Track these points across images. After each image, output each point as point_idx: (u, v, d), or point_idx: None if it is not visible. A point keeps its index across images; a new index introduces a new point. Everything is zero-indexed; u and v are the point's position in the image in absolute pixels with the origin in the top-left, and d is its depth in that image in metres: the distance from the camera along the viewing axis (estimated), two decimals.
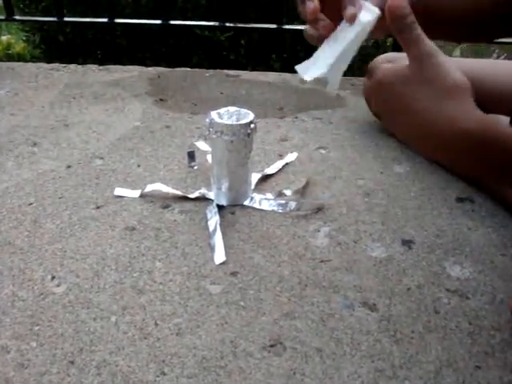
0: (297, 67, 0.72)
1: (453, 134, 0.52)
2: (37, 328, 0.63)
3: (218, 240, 0.78)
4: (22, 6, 2.58)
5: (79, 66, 1.62)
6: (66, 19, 1.80)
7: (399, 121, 0.56)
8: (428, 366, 0.60)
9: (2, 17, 1.83)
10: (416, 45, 0.58)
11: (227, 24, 1.73)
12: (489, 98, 0.95)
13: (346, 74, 1.00)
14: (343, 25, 0.74)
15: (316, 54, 0.75)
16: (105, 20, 1.76)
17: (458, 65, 1.02)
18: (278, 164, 1.01)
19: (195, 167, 1.01)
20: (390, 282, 0.72)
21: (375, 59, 1.15)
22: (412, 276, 0.74)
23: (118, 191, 0.91)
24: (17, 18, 1.93)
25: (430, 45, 0.58)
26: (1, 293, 0.69)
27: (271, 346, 0.61)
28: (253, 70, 1.71)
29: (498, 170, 0.55)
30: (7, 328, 0.63)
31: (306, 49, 2.39)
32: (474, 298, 0.70)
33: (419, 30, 0.64)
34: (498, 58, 3.77)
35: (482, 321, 0.66)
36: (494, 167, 0.54)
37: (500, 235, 0.83)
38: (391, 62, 0.80)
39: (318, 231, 0.82)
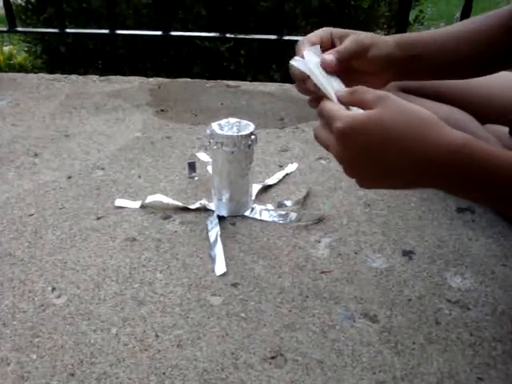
0: None
1: (431, 161, 0.51)
2: (37, 340, 0.63)
3: (219, 251, 0.78)
4: (23, 17, 2.59)
5: (80, 77, 1.63)
6: (68, 30, 1.81)
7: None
8: (429, 378, 0.59)
9: (5, 28, 1.84)
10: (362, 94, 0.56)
11: (228, 35, 1.74)
12: (486, 108, 0.96)
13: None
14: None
15: None
16: (106, 31, 1.77)
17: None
18: (279, 175, 1.01)
19: (196, 178, 1.01)
20: (391, 293, 0.72)
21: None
22: (413, 287, 0.73)
23: (119, 202, 0.92)
24: (19, 29, 1.95)
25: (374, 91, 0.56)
26: (1, 304, 0.69)
27: (272, 357, 0.61)
28: (253, 80, 1.72)
29: (486, 196, 0.54)
30: (7, 340, 0.63)
31: None
32: (475, 309, 0.70)
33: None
34: None
35: (484, 332, 0.66)
36: (476, 189, 0.53)
37: (500, 245, 0.83)
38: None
39: (319, 242, 0.82)
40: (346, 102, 0.55)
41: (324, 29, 0.66)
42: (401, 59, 0.66)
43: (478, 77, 0.77)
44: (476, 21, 0.75)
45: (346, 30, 0.66)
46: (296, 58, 0.63)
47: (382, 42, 0.66)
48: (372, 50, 0.64)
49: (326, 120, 0.55)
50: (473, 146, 0.51)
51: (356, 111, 0.53)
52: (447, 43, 0.71)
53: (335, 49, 0.62)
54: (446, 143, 0.51)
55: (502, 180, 0.50)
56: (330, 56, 0.61)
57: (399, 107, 0.52)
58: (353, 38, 0.64)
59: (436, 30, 0.73)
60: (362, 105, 0.53)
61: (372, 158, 0.52)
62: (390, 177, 0.54)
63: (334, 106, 0.55)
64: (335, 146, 0.53)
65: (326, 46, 0.65)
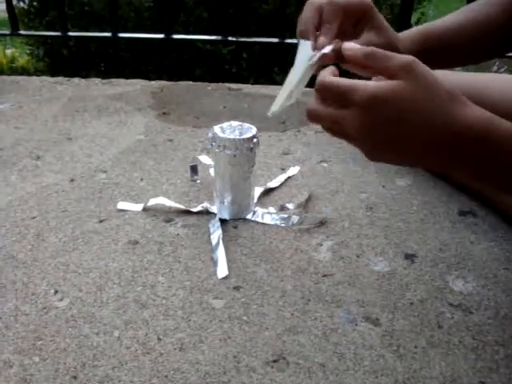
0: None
1: (453, 134, 0.51)
2: (40, 343, 0.63)
3: (221, 254, 0.78)
4: (26, 20, 2.60)
5: (82, 80, 1.63)
6: (70, 34, 1.82)
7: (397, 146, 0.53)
8: (432, 382, 0.59)
9: (8, 31, 1.85)
10: (388, 61, 0.55)
11: (229, 38, 1.74)
12: (491, 112, 0.95)
13: None
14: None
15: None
16: (108, 34, 1.77)
17: (457, 79, 1.02)
18: (281, 178, 1.01)
19: (198, 181, 1.01)
20: (393, 297, 0.72)
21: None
22: (415, 290, 0.73)
23: (121, 205, 0.92)
24: (22, 32, 1.95)
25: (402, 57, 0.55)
26: (4, 307, 0.69)
27: (274, 361, 0.61)
28: (255, 82, 1.72)
29: (497, 175, 0.54)
30: (10, 343, 0.63)
31: None
32: (478, 313, 0.70)
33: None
34: (498, 70, 3.79)
35: (486, 336, 0.66)
36: (494, 171, 0.53)
37: (503, 249, 0.83)
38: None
39: (321, 245, 0.82)
40: (366, 64, 0.53)
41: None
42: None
43: (482, 62, 0.78)
44: (475, 9, 0.76)
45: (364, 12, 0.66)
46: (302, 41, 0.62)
47: (399, 41, 0.67)
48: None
49: (338, 93, 0.52)
50: (497, 123, 0.51)
51: (374, 82, 0.51)
52: (451, 36, 0.73)
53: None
54: (472, 117, 0.51)
55: None
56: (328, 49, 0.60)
57: (425, 78, 0.51)
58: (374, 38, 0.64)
59: (440, 22, 0.75)
60: (384, 72, 0.51)
61: (396, 131, 0.50)
62: (409, 154, 0.52)
63: (343, 79, 0.52)
64: (353, 120, 0.51)
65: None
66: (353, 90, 0.50)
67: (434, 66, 0.71)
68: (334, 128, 0.55)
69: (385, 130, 0.51)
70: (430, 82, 0.52)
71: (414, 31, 0.74)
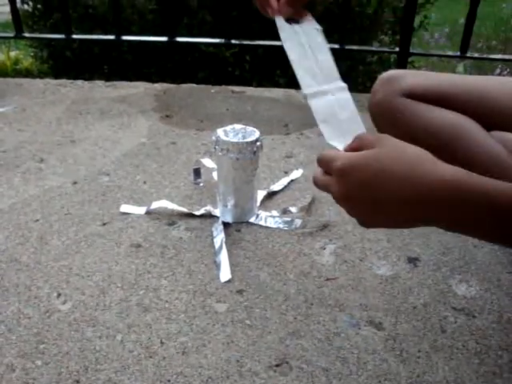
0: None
1: (425, 192, 0.53)
2: (42, 346, 0.63)
3: (224, 258, 0.78)
4: (30, 22, 2.61)
5: (86, 82, 1.64)
6: (74, 36, 1.83)
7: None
8: None
9: (12, 34, 1.86)
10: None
11: (233, 41, 1.74)
12: (494, 115, 0.95)
13: (350, 90, 1.00)
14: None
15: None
16: (112, 37, 1.78)
17: (461, 81, 1.02)
18: (284, 181, 1.01)
19: (201, 184, 1.01)
20: (396, 301, 0.72)
21: (379, 77, 1.15)
22: (418, 294, 0.73)
23: (124, 208, 0.92)
24: (26, 35, 1.96)
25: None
26: (7, 310, 0.69)
27: (277, 365, 0.61)
28: (258, 85, 1.72)
29: (472, 228, 0.56)
30: (13, 346, 0.63)
31: None
32: (481, 317, 0.69)
33: None
34: (500, 73, 3.78)
35: (490, 340, 0.66)
36: (468, 224, 0.55)
37: (506, 253, 0.83)
38: (394, 80, 0.81)
39: (324, 249, 0.82)
40: (350, 150, 0.58)
41: None
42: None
43: None
44: None
45: None
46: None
47: None
48: None
49: (326, 164, 0.57)
50: (464, 180, 0.52)
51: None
52: None
53: None
54: (437, 179, 0.52)
55: (498, 213, 0.50)
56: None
57: (395, 146, 0.55)
58: None
59: None
60: (363, 148, 0.56)
61: (370, 194, 0.54)
62: (389, 215, 0.55)
63: (331, 151, 0.58)
64: (336, 187, 0.55)
65: None
66: (332, 160, 0.55)
67: None
68: (331, 194, 0.59)
69: (359, 195, 0.55)
70: (398, 147, 0.55)
71: None
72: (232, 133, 0.85)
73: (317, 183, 0.59)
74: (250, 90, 1.60)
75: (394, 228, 0.60)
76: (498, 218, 0.51)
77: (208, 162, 1.06)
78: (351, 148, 0.58)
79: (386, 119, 0.90)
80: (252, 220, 0.88)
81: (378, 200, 0.54)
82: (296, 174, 1.05)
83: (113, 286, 0.73)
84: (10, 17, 1.82)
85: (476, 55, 1.82)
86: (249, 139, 0.82)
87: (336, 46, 1.69)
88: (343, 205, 0.56)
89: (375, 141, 0.56)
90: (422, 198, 0.52)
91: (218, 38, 1.77)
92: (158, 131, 1.27)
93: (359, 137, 0.57)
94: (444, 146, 0.80)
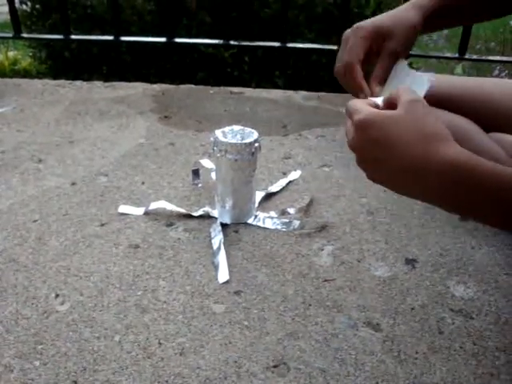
0: None
1: (433, 169, 0.54)
2: (40, 347, 0.63)
3: (222, 259, 0.78)
4: (29, 22, 2.61)
5: (84, 83, 1.64)
6: (73, 37, 1.82)
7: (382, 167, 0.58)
8: None
9: (10, 34, 1.85)
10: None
11: (231, 42, 1.74)
12: (492, 116, 0.95)
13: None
14: None
15: None
16: (110, 38, 1.78)
17: (460, 83, 1.03)
18: (282, 182, 1.01)
19: (199, 185, 1.01)
20: (394, 302, 0.72)
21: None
22: (416, 295, 0.73)
23: (123, 209, 0.92)
24: (24, 35, 1.95)
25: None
26: (5, 311, 0.69)
27: (275, 366, 0.61)
28: (257, 86, 1.72)
29: (478, 210, 0.56)
30: (11, 346, 0.63)
31: (308, 66, 2.41)
32: (479, 318, 0.70)
33: None
34: (499, 74, 3.78)
35: (487, 341, 0.66)
36: (475, 206, 0.55)
37: (504, 254, 0.83)
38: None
39: (322, 250, 0.82)
40: (386, 104, 0.60)
41: (358, 43, 0.71)
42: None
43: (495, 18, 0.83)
44: None
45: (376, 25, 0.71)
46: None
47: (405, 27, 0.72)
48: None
49: (350, 112, 0.59)
50: (474, 162, 0.52)
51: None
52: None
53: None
54: (449, 157, 0.53)
55: (504, 197, 0.51)
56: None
57: (418, 117, 0.56)
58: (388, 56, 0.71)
59: None
60: (394, 106, 0.57)
61: (379, 153, 0.55)
62: (393, 177, 0.57)
63: (358, 101, 0.60)
64: (352, 135, 0.57)
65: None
66: (355, 111, 0.58)
67: (447, 24, 0.79)
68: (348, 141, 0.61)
69: (370, 150, 0.56)
70: (420, 120, 0.55)
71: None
72: (230, 134, 0.85)
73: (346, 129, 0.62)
74: (249, 91, 1.60)
75: (396, 192, 0.62)
76: (505, 201, 0.51)
77: (206, 163, 1.06)
78: (387, 102, 0.60)
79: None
80: (250, 221, 0.89)
81: (385, 160, 0.56)
82: (294, 175, 1.05)
83: (111, 286, 0.73)
84: (8, 17, 1.82)
85: (475, 57, 1.83)
86: (247, 140, 0.83)
87: (335, 47, 1.70)
88: (356, 154, 0.58)
89: (406, 103, 0.56)
90: (431, 173, 0.54)
91: (217, 38, 1.77)
92: (157, 132, 1.27)
93: (396, 93, 0.59)
94: None
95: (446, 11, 0.77)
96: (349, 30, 0.73)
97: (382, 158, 0.56)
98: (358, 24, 0.73)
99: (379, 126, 0.56)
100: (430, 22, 0.75)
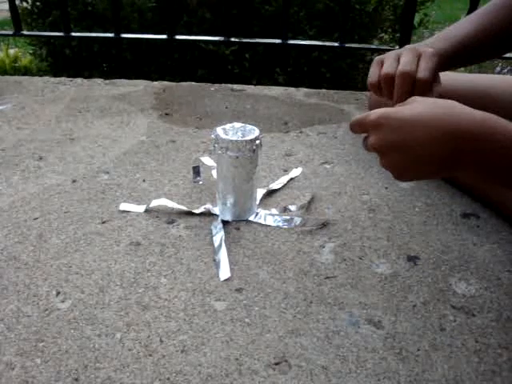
0: None
1: (450, 137, 0.56)
2: (41, 344, 0.63)
3: (223, 256, 0.78)
4: (29, 20, 2.61)
5: (85, 80, 1.64)
6: (73, 34, 1.82)
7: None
8: None
9: (11, 32, 1.85)
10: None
11: (232, 39, 1.74)
12: (494, 113, 0.95)
13: (350, 88, 1.01)
14: None
15: None
16: (111, 35, 1.77)
17: (462, 79, 1.03)
18: (283, 179, 1.01)
19: (200, 182, 1.01)
20: (396, 299, 0.72)
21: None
22: (417, 293, 0.73)
23: (123, 206, 0.92)
24: (25, 33, 1.95)
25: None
26: (6, 308, 0.69)
27: (276, 363, 0.61)
28: (257, 83, 1.72)
29: (503, 174, 0.58)
30: (12, 344, 0.63)
31: (309, 62, 2.41)
32: (480, 315, 0.69)
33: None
34: (501, 71, 3.78)
35: (489, 339, 0.66)
36: (499, 170, 0.57)
37: (506, 251, 0.83)
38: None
39: (323, 247, 0.82)
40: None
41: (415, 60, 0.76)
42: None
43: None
44: (491, 14, 0.86)
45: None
46: None
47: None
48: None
49: (358, 124, 0.66)
50: (495, 120, 0.56)
51: None
52: (472, 44, 0.83)
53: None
54: (468, 118, 0.57)
55: None
56: None
57: (425, 99, 0.61)
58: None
59: (462, 30, 0.85)
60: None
61: (402, 138, 0.59)
62: (420, 159, 0.59)
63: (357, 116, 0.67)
64: (372, 137, 0.62)
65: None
66: (364, 117, 0.64)
67: (455, 66, 0.84)
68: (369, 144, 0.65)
69: (393, 140, 0.60)
70: (428, 100, 0.60)
71: (441, 40, 0.83)
72: (231, 131, 0.84)
73: (354, 127, 0.68)
74: (250, 88, 1.59)
75: (423, 177, 0.65)
76: None
77: (207, 160, 1.06)
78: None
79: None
80: (251, 218, 0.88)
81: (409, 144, 0.58)
82: (295, 172, 1.05)
83: (112, 284, 0.73)
84: (8, 14, 1.81)
85: None
86: (248, 137, 0.82)
87: (336, 44, 1.69)
88: (379, 151, 0.62)
89: (411, 100, 0.62)
90: (463, 134, 0.56)
91: (218, 35, 1.77)
92: (158, 129, 1.26)
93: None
94: None
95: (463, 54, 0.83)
96: (391, 52, 0.80)
97: (405, 141, 0.58)
98: (412, 45, 0.80)
99: (394, 114, 0.60)
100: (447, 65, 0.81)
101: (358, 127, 0.67)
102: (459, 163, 0.57)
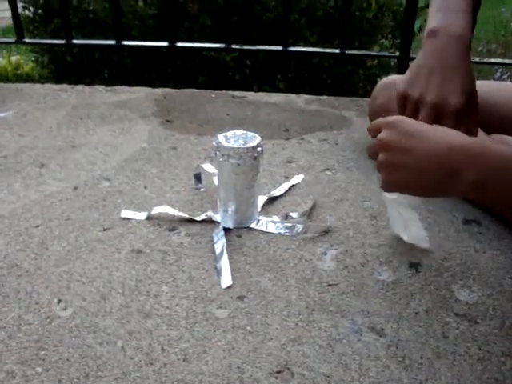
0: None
1: (451, 152, 0.59)
2: (43, 353, 0.63)
3: (225, 263, 0.78)
4: (31, 27, 2.62)
5: (87, 87, 1.64)
6: (75, 42, 1.83)
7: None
8: None
9: (13, 39, 1.86)
10: None
11: (233, 46, 1.74)
12: (494, 118, 0.96)
13: (351, 94, 1.02)
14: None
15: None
16: (112, 42, 1.78)
17: None
18: (285, 186, 1.01)
19: (201, 189, 1.01)
20: (398, 306, 0.72)
21: (380, 81, 1.16)
22: (420, 300, 0.73)
23: (125, 213, 0.92)
24: (27, 40, 1.96)
25: None
26: (7, 316, 0.69)
27: (278, 371, 0.61)
28: (258, 90, 1.72)
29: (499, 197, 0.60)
30: (13, 352, 0.63)
31: (310, 69, 2.41)
32: (483, 323, 0.69)
33: None
34: (501, 76, 3.78)
35: (492, 346, 0.65)
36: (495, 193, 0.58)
37: (508, 258, 0.82)
38: (394, 85, 0.83)
39: (325, 254, 0.82)
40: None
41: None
42: None
43: None
44: None
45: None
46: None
47: None
48: None
49: (378, 124, 0.68)
50: (490, 144, 0.60)
51: None
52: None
53: None
54: (469, 138, 0.60)
55: None
56: None
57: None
58: None
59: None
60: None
61: (410, 143, 0.61)
62: (423, 170, 0.61)
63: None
64: (382, 135, 0.64)
65: None
66: (385, 119, 0.66)
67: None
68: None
69: (400, 143, 0.62)
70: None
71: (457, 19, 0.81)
72: (233, 138, 0.84)
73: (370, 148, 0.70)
74: (251, 95, 1.60)
75: (408, 189, 0.66)
76: None
77: (209, 167, 1.06)
78: None
79: None
80: (253, 225, 0.88)
81: (413, 148, 0.61)
82: (297, 179, 1.05)
83: (113, 291, 0.73)
84: (11, 21, 1.82)
85: (476, 59, 1.82)
86: (250, 145, 0.82)
87: (337, 51, 1.70)
88: (382, 151, 0.65)
89: None
90: (455, 151, 0.59)
91: (219, 42, 1.78)
92: (159, 136, 1.27)
93: None
94: None
95: None
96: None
97: (413, 147, 0.61)
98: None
99: (409, 122, 0.63)
100: None
101: (376, 126, 0.69)
102: (453, 185, 0.59)
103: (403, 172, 0.64)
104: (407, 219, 0.82)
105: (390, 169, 0.65)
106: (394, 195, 0.78)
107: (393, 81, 0.89)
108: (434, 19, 0.79)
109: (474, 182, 0.57)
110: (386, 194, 0.78)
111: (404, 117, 0.66)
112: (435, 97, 0.72)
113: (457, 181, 0.59)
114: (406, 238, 0.83)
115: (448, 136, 0.60)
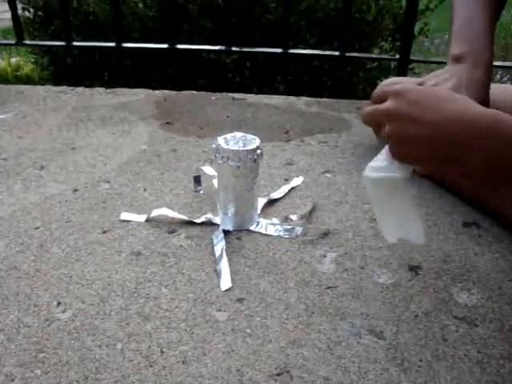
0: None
1: (462, 125, 0.58)
2: (42, 355, 0.63)
3: (224, 266, 0.78)
4: (31, 29, 2.62)
5: (87, 89, 1.64)
6: (75, 43, 1.83)
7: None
8: None
9: (13, 41, 1.86)
10: None
11: (233, 48, 1.75)
12: None
13: (351, 96, 1.02)
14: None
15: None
16: (113, 44, 1.78)
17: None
18: (284, 188, 1.01)
19: (201, 192, 1.01)
20: (397, 309, 0.72)
21: (380, 84, 1.16)
22: (419, 302, 0.73)
23: (125, 215, 0.92)
24: (27, 42, 1.97)
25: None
26: (6, 319, 0.69)
27: (278, 374, 0.61)
28: (258, 92, 1.72)
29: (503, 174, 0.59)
30: (12, 355, 0.63)
31: (310, 71, 2.41)
32: (483, 326, 0.69)
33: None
34: (501, 79, 3.79)
35: (491, 349, 0.65)
36: (503, 163, 0.58)
37: (507, 260, 0.82)
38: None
39: (325, 257, 0.82)
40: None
41: None
42: None
43: None
44: None
45: None
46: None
47: None
48: None
49: (384, 92, 0.67)
50: (502, 115, 0.59)
51: None
52: None
53: None
54: (481, 110, 0.59)
55: None
56: None
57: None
58: None
59: None
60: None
61: (417, 113, 0.60)
62: (429, 140, 0.60)
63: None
64: (387, 104, 0.63)
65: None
66: (390, 87, 0.66)
67: None
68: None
69: (406, 113, 0.60)
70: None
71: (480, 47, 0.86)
72: (232, 141, 0.85)
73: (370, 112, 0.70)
74: (251, 97, 1.60)
75: (418, 159, 0.65)
76: None
77: (208, 170, 1.06)
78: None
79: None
80: (252, 228, 0.88)
81: (422, 119, 0.59)
82: (296, 181, 1.05)
83: (113, 294, 0.73)
84: (11, 23, 1.82)
85: None
86: (249, 147, 0.82)
87: (337, 54, 1.70)
88: (389, 121, 0.63)
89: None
90: (467, 121, 0.58)
91: (219, 44, 1.78)
92: (159, 138, 1.27)
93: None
94: None
95: None
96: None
97: (419, 116, 0.59)
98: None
99: (417, 90, 0.61)
100: None
101: (381, 94, 0.69)
102: (464, 158, 0.58)
103: (413, 143, 0.61)
104: (397, 208, 0.71)
105: (399, 140, 0.62)
106: (381, 173, 0.68)
107: (392, 83, 0.89)
108: (456, 44, 0.85)
109: (486, 157, 0.57)
110: (370, 173, 0.69)
111: (412, 84, 0.66)
112: None
113: (469, 153, 0.58)
114: (395, 232, 0.74)
115: (458, 106, 0.59)
